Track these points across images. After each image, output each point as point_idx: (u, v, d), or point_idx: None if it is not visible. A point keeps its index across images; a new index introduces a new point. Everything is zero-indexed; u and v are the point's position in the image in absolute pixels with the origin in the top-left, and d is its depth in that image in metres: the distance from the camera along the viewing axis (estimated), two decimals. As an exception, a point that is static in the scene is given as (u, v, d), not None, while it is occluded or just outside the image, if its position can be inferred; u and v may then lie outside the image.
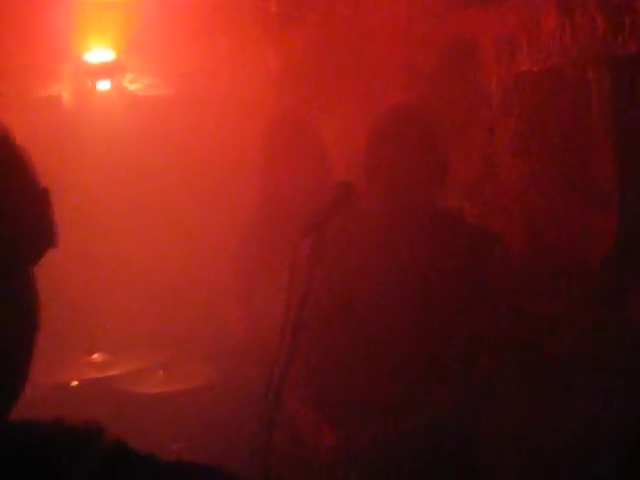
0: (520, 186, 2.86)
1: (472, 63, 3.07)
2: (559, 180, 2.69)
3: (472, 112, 3.09)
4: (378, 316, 2.32)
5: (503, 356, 2.46)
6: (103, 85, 4.35)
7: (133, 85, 4.42)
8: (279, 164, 3.11)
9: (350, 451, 2.26)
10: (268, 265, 2.83)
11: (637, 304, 2.39)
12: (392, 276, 2.31)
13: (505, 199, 2.94)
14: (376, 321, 2.32)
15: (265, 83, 4.08)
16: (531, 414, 2.59)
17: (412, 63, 3.46)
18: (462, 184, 3.13)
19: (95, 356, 3.29)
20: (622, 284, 2.40)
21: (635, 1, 2.31)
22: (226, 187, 3.81)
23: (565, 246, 2.65)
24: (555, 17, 2.66)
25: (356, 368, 2.34)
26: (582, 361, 2.50)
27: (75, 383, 3.40)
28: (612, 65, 2.46)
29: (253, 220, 3.23)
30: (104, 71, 4.33)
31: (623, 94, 2.43)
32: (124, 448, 0.66)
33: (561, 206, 2.67)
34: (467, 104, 3.12)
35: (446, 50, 3.20)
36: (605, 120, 2.48)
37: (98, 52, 4.31)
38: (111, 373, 3.25)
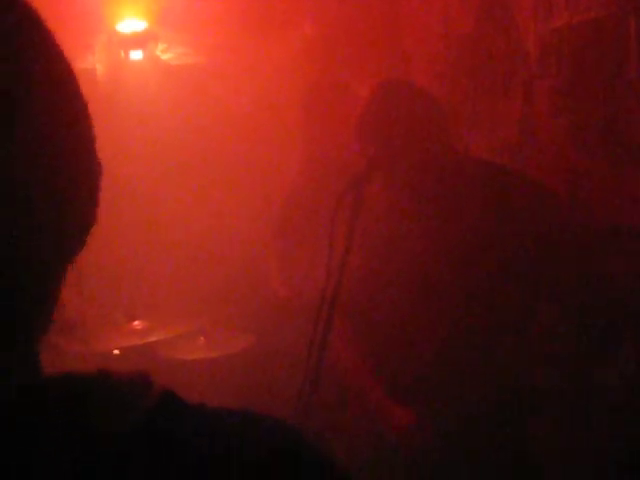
0: (560, 143, 2.81)
1: (510, 19, 3.01)
2: (599, 136, 2.63)
3: (510, 70, 3.03)
4: (421, 287, 2.26)
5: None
6: (136, 55, 4.35)
7: (166, 55, 4.41)
8: (319, 129, 3.12)
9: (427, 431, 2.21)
10: (309, 228, 2.83)
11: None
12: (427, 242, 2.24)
13: (545, 157, 2.89)
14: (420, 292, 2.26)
15: (300, 50, 4.05)
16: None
17: (449, 23, 3.41)
18: (502, 144, 3.09)
19: (136, 323, 3.33)
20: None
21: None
22: (262, 153, 3.81)
23: (607, 203, 2.60)
24: (593, -33, 2.59)
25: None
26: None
27: (117, 351, 3.44)
28: (654, 16, 2.39)
29: (294, 184, 3.23)
30: (136, 41, 4.33)
31: (666, 46, 2.37)
32: (171, 399, 0.63)
33: (602, 162, 2.62)
34: (505, 62, 3.06)
35: (483, 7, 3.15)
36: (647, 73, 2.42)
37: (130, 22, 4.30)
38: (152, 340, 3.28)
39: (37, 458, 0.55)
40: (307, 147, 3.19)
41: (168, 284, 3.66)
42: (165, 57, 4.40)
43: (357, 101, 3.07)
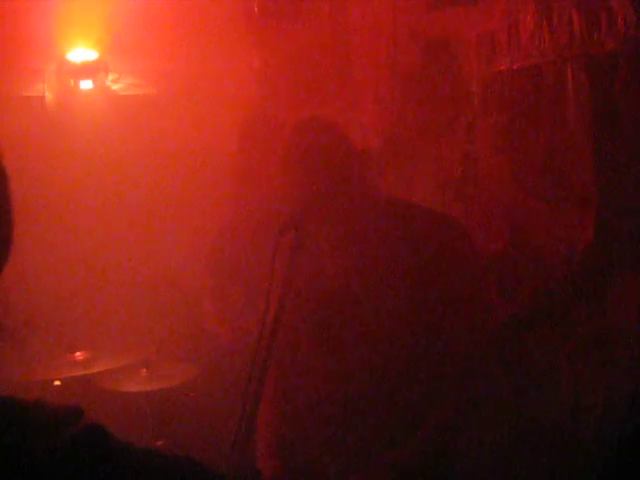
0: (501, 183, 2.89)
1: (455, 62, 3.10)
2: (538, 177, 2.71)
3: (454, 111, 3.11)
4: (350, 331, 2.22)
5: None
6: (86, 84, 4.35)
7: (115, 85, 4.42)
8: (256, 163, 3.12)
9: None
10: (243, 264, 2.83)
11: (615, 299, 2.42)
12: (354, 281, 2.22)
13: (486, 196, 2.97)
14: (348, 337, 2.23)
15: (248, 82, 4.10)
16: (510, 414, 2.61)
17: (396, 63, 3.48)
18: (445, 183, 3.16)
19: (77, 354, 3.29)
20: (601, 280, 2.43)
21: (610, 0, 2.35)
22: (208, 185, 3.82)
23: (546, 242, 2.67)
24: (533, 16, 2.69)
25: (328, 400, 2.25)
26: (561, 356, 2.53)
27: (57, 382, 3.40)
28: (589, 63, 2.49)
29: (227, 219, 3.22)
30: (87, 70, 4.33)
31: (600, 91, 2.46)
32: (100, 432, 0.66)
33: (541, 203, 2.70)
34: (449, 103, 3.14)
35: (429, 49, 3.23)
36: (583, 117, 2.51)
37: (81, 51, 4.31)
38: (93, 371, 3.25)
39: None
40: (240, 181, 3.19)
41: (111, 316, 3.63)
42: (115, 87, 4.41)
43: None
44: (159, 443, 3.14)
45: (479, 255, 2.36)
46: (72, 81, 4.34)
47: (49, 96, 4.35)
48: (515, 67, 2.80)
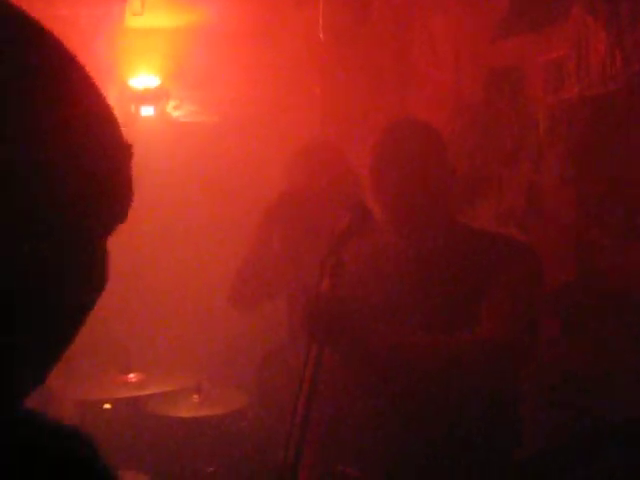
0: (568, 214, 2.81)
1: (520, 90, 3.04)
2: (607, 209, 2.63)
3: (519, 140, 3.05)
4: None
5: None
6: (147, 111, 4.39)
7: (176, 112, 4.46)
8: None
9: None
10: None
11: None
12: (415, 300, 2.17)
13: (553, 227, 2.89)
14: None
15: (310, 111, 4.09)
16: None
17: (460, 91, 3.44)
18: (509, 212, 3.09)
19: (131, 376, 3.29)
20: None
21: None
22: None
23: (615, 273, 2.58)
24: (604, 42, 2.63)
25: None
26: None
27: (107, 406, 3.39)
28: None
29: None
30: (148, 97, 4.38)
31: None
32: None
33: (610, 233, 2.61)
34: (514, 131, 3.08)
35: (494, 77, 3.18)
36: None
37: (143, 78, 4.36)
38: (145, 393, 3.24)
39: None
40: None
41: (166, 339, 3.62)
42: (176, 114, 4.44)
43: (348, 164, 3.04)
44: (210, 470, 3.10)
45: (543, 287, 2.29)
46: (133, 107, 4.38)
47: (110, 122, 4.40)
48: (584, 94, 2.73)
